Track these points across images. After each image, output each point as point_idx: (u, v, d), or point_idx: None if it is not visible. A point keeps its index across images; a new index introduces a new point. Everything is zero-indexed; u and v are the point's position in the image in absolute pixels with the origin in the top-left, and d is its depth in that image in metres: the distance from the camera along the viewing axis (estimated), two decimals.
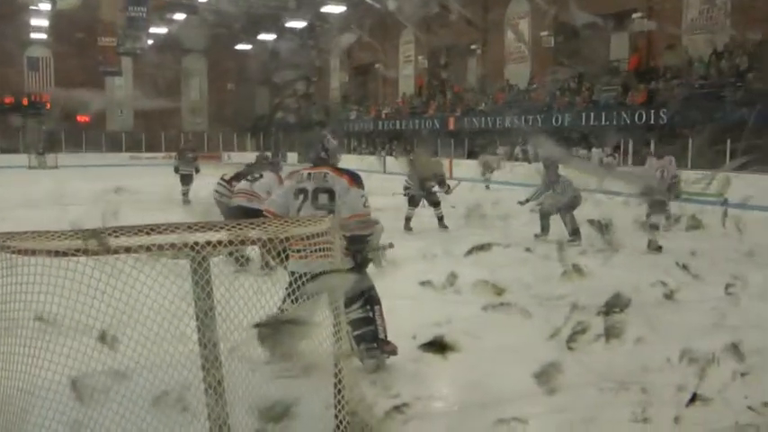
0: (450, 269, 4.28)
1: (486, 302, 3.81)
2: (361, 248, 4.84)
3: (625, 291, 4.03)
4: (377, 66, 43.58)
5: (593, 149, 25.92)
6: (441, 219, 12.94)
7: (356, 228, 4.74)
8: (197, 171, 18.44)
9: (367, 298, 4.88)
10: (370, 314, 4.93)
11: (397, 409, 2.45)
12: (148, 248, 2.74)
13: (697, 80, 23.27)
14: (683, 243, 8.37)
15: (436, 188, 13.10)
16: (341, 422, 3.58)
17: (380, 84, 44.32)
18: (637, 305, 4.29)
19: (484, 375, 4.67)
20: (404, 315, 5.52)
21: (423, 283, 4.70)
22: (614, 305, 3.73)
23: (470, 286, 3.85)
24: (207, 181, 11.77)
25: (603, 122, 25.18)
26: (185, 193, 17.94)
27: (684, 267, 6.21)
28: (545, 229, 11.63)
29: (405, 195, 13.12)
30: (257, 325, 2.41)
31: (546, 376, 3.23)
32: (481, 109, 32.34)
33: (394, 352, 5.11)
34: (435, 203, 13.06)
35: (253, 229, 3.29)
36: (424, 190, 12.87)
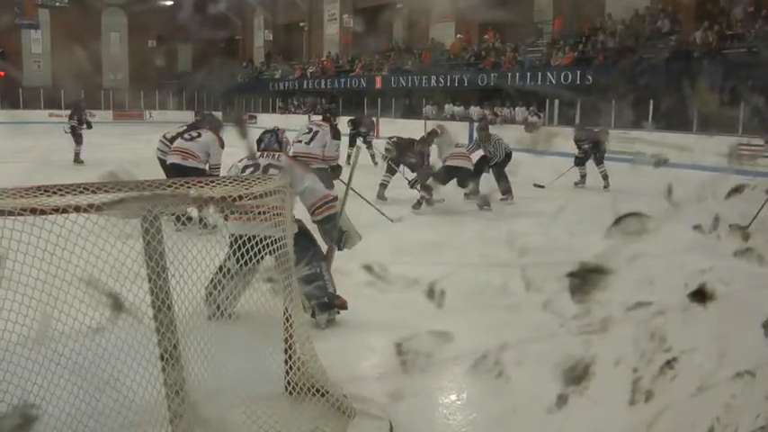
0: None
1: (737, 248, 3.76)
2: (334, 226, 5.01)
3: None
4: (302, 24, 43.05)
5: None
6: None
7: (325, 209, 4.88)
8: (89, 127, 17.75)
9: (312, 254, 4.90)
10: (317, 270, 4.96)
11: (668, 364, 2.38)
12: (99, 207, 2.63)
13: (619, 42, 23.59)
14: None
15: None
16: (289, 382, 3.55)
17: (305, 42, 43.75)
18: None
19: (729, 327, 4.71)
20: (677, 262, 5.68)
21: (695, 227, 4.52)
22: None
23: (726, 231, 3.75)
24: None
25: (529, 83, 25.37)
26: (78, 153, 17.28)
27: None
28: (475, 190, 11.56)
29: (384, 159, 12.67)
30: (570, 274, 2.25)
31: None
32: (407, 68, 32.28)
33: (344, 306, 5.16)
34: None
35: (201, 187, 3.21)
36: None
